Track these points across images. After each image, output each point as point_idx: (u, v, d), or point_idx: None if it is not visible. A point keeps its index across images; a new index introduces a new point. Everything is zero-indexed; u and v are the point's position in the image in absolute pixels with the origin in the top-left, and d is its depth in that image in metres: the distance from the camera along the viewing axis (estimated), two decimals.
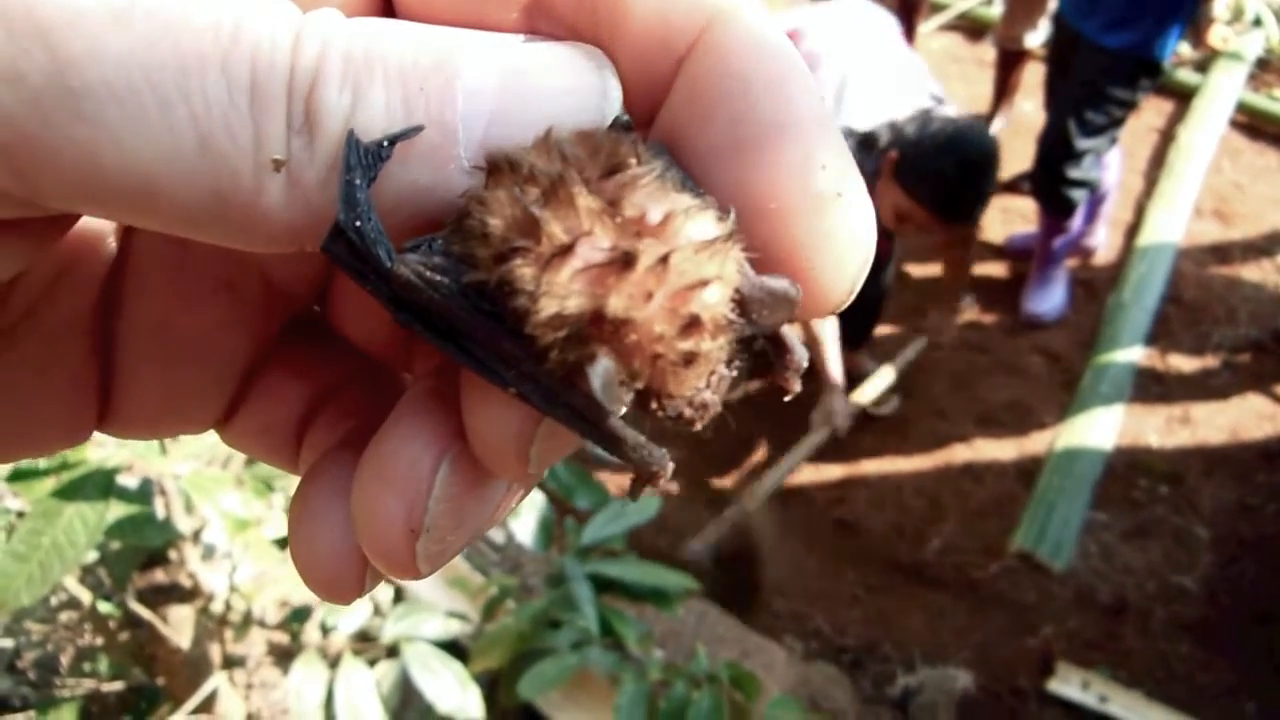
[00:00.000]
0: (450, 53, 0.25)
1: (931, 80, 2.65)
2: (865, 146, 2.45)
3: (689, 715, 1.38)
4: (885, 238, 2.62)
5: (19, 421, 0.31)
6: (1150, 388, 3.13)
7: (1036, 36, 3.64)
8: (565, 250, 0.24)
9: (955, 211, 2.45)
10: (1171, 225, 3.52)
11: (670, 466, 0.27)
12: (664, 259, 0.23)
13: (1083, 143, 2.93)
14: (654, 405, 0.25)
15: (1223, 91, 3.99)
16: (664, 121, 0.28)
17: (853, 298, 0.27)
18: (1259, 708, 2.39)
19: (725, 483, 2.96)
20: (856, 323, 3.04)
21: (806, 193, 0.26)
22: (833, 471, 2.98)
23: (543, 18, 0.28)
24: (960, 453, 2.99)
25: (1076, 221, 3.25)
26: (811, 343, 2.80)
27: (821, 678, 2.38)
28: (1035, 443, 3.00)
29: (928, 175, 2.38)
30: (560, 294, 0.24)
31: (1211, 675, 2.47)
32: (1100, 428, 2.98)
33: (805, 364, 0.28)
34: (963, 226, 2.55)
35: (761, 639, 2.34)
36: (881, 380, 2.96)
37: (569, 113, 0.26)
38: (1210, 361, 3.20)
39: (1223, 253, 3.52)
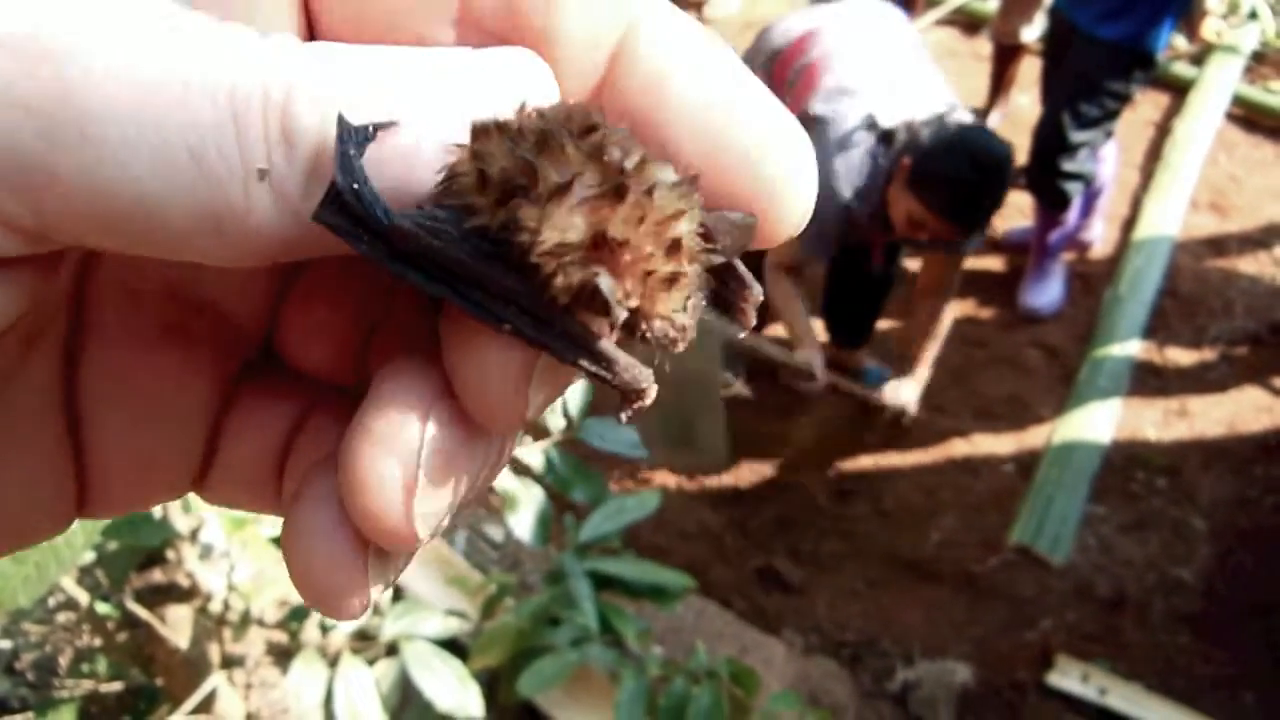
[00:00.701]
0: (403, 63, 0.28)
1: (943, 83, 2.63)
2: (882, 143, 2.45)
3: (689, 711, 1.39)
4: (885, 231, 2.61)
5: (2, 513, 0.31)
6: (1148, 381, 3.13)
7: (1032, 31, 3.64)
8: (564, 188, 0.27)
9: (968, 219, 2.43)
10: (1168, 219, 3.52)
11: (655, 387, 0.29)
12: (648, 191, 0.27)
13: (1077, 135, 2.93)
14: (642, 328, 0.28)
15: (1218, 85, 3.99)
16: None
17: (805, 220, 0.31)
18: (1258, 699, 2.40)
19: (726, 481, 2.96)
20: (860, 320, 3.04)
21: (748, 143, 0.30)
22: (831, 466, 2.98)
23: (472, 32, 0.30)
24: (958, 447, 2.99)
25: (1073, 215, 3.25)
26: (775, 312, 2.85)
27: (820, 673, 2.38)
28: (1033, 436, 3.01)
29: (941, 183, 2.36)
30: (561, 225, 0.27)
31: (1210, 667, 2.48)
32: (1098, 421, 2.98)
33: (760, 297, 0.31)
34: (974, 234, 2.54)
35: (760, 634, 2.34)
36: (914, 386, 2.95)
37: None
38: (1207, 354, 3.20)
39: (1219, 246, 3.52)
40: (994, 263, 3.50)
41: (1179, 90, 4.02)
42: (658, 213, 0.27)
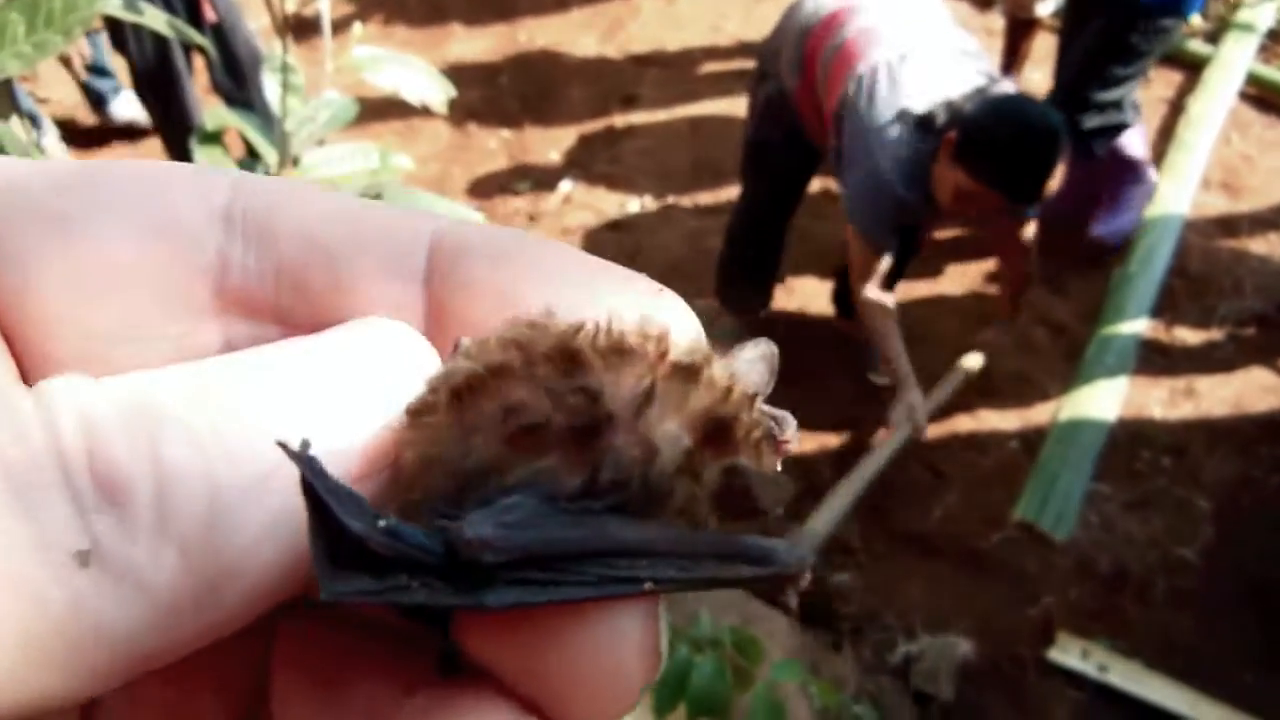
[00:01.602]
0: (233, 378, 0.23)
1: (984, 56, 2.58)
2: (923, 128, 2.38)
3: (692, 678, 1.39)
4: (936, 212, 2.56)
5: None
6: (1155, 360, 3.12)
7: (1046, 5, 3.60)
8: (648, 394, 0.23)
9: (1020, 188, 2.37)
10: (1179, 197, 3.50)
11: (810, 559, 0.26)
12: (699, 361, 0.24)
13: (1103, 94, 2.92)
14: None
15: (1233, 63, 3.95)
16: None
17: None
18: (1258, 678, 2.40)
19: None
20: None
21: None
22: (835, 441, 2.98)
23: (238, 323, 0.25)
24: (963, 423, 2.98)
25: (1140, 151, 3.27)
26: (873, 336, 2.73)
27: (822, 645, 2.39)
28: (1038, 414, 3.00)
29: (990, 153, 2.31)
30: (671, 434, 0.23)
31: (1211, 646, 2.48)
32: (1104, 399, 2.97)
33: (794, 425, 0.28)
34: (1024, 205, 2.50)
35: (762, 606, 2.34)
36: (948, 388, 2.93)
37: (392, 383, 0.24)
38: (1215, 334, 3.19)
39: (1230, 225, 3.50)
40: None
41: (1193, 68, 3.99)
42: (722, 376, 0.24)
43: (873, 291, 2.62)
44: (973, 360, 2.98)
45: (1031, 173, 2.36)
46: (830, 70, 2.49)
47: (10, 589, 0.19)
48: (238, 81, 3.08)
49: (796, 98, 2.65)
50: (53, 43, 0.72)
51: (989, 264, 3.36)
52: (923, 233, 2.75)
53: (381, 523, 0.21)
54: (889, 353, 2.69)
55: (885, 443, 2.75)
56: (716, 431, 0.24)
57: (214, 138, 1.43)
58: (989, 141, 2.30)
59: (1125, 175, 3.31)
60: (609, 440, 0.22)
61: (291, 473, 0.20)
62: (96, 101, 3.67)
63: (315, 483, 0.20)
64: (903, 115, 2.39)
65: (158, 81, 3.08)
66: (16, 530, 0.19)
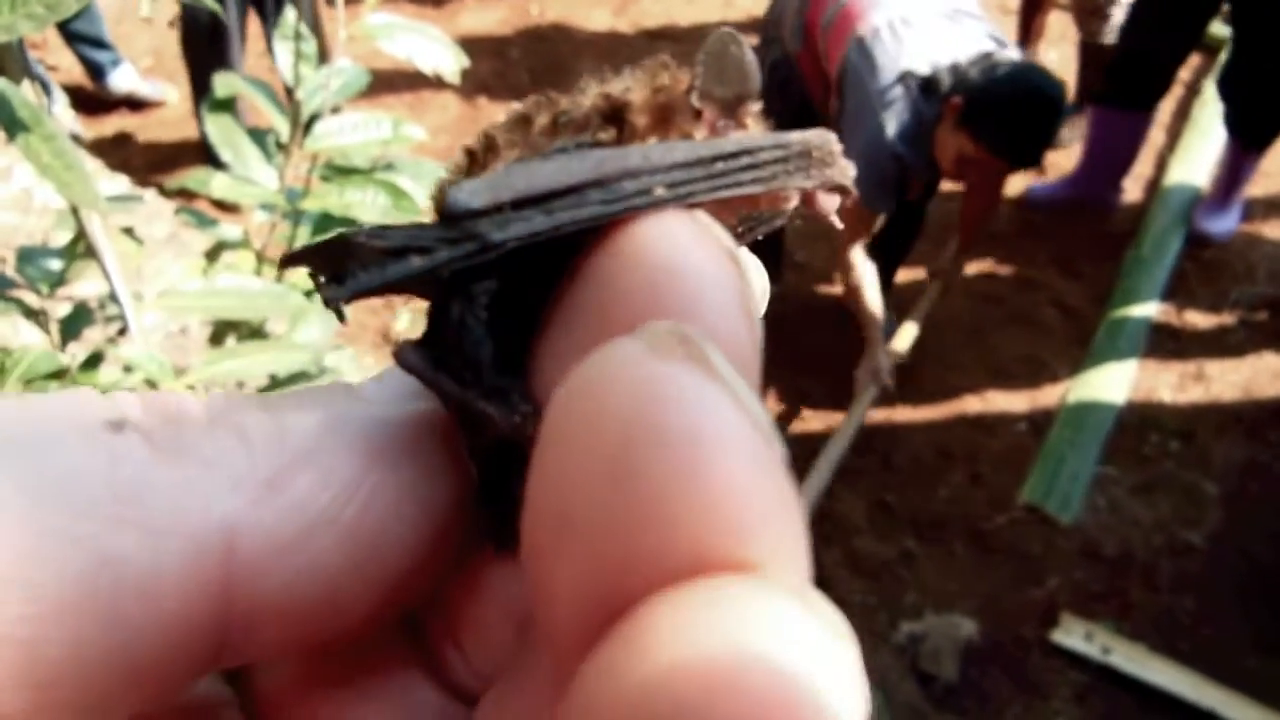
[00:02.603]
0: None
1: (986, 19, 2.58)
2: (926, 91, 2.38)
3: None
4: (934, 176, 2.59)
5: None
6: (1165, 343, 3.10)
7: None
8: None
9: (1023, 154, 2.39)
10: (1193, 180, 3.47)
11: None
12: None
13: None
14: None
15: None
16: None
17: None
18: (1261, 663, 2.40)
19: None
20: (886, 267, 2.97)
21: None
22: (840, 420, 2.97)
23: None
24: (971, 404, 2.98)
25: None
26: (850, 294, 2.75)
27: None
28: (1047, 396, 2.99)
29: (995, 119, 2.31)
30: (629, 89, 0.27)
31: (1216, 630, 2.48)
32: (1113, 382, 2.96)
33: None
34: (1025, 171, 2.55)
35: None
36: (909, 332, 2.89)
37: None
38: (1227, 319, 3.17)
39: (1244, 209, 3.47)
40: (1013, 221, 3.46)
41: (1211, 50, 3.94)
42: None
43: (858, 254, 2.65)
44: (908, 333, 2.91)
45: (1036, 139, 2.37)
46: (831, 34, 2.48)
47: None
48: None
49: (800, 63, 2.64)
50: (65, 4, 0.71)
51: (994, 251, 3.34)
52: (918, 194, 2.74)
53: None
54: (864, 315, 2.72)
55: (856, 402, 2.77)
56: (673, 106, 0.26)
57: (225, 105, 1.42)
58: (995, 108, 2.30)
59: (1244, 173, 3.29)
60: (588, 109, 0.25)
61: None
62: (95, 73, 3.64)
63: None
64: (905, 77, 2.38)
65: (202, 40, 3.03)
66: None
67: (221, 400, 0.22)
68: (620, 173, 0.22)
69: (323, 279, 0.22)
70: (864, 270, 2.68)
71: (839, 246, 2.69)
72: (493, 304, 0.22)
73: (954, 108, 2.34)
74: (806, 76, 2.66)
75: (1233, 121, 3.15)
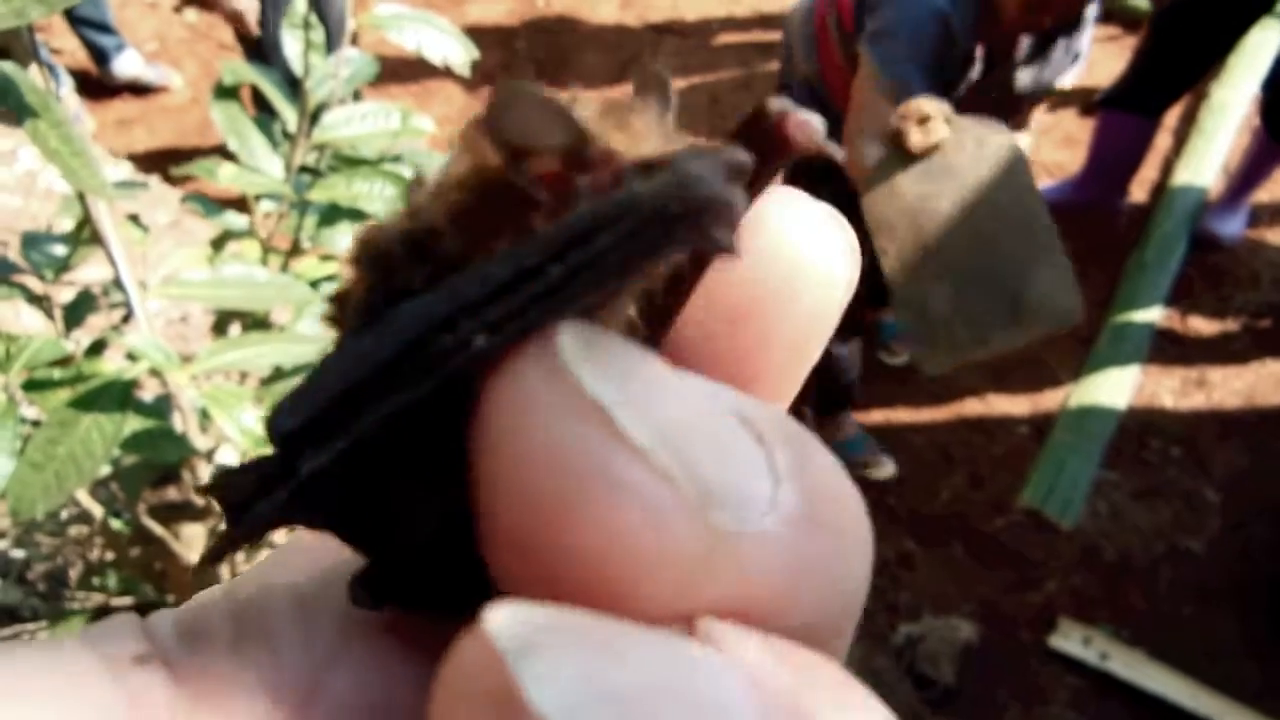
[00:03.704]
0: None
1: None
2: None
3: None
4: (992, 35, 2.02)
5: None
6: (1168, 349, 3.10)
7: None
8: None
9: None
10: (1199, 184, 3.46)
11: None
12: None
13: None
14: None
15: (1258, 51, 3.89)
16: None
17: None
18: (1260, 670, 2.40)
19: None
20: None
21: None
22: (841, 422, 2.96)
23: None
24: (972, 406, 2.97)
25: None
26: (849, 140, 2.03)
27: None
28: (1049, 399, 2.98)
29: None
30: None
31: (1214, 637, 2.48)
32: (1115, 387, 2.96)
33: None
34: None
35: None
36: None
37: None
38: (1230, 325, 3.16)
39: (1249, 215, 3.46)
40: None
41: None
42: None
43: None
44: None
45: None
46: None
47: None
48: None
49: (824, 78, 2.26)
50: None
51: None
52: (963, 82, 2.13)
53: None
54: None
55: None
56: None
57: (231, 93, 1.41)
58: None
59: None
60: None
61: None
62: (99, 58, 3.62)
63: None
64: None
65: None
66: None
67: (249, 606, 0.21)
68: (426, 331, 0.18)
69: (226, 518, 0.20)
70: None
71: (845, 136, 2.02)
72: (391, 506, 0.19)
73: None
74: (834, 92, 2.24)
75: (1270, 108, 3.10)
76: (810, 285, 0.23)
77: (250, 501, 0.19)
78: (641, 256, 0.17)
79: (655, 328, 0.22)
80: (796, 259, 0.23)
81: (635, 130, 0.21)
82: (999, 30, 1.99)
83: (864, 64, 1.97)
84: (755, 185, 0.21)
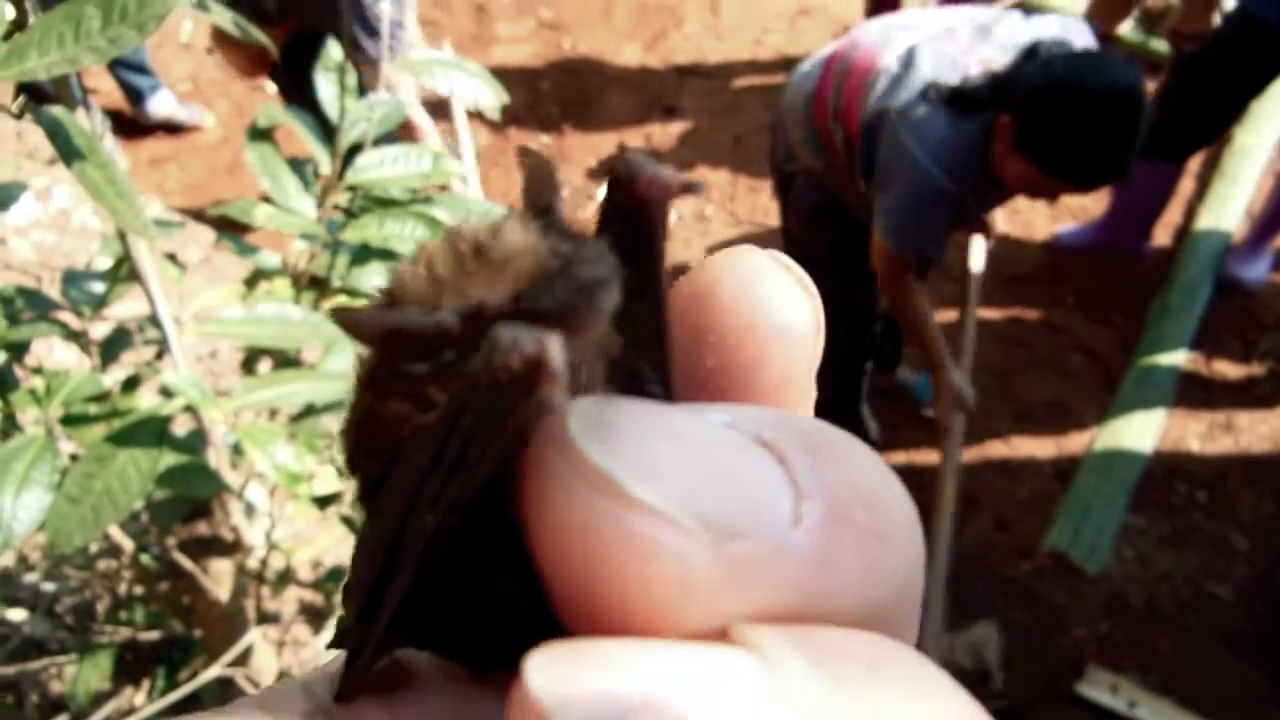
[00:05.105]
0: None
1: (1009, 17, 2.09)
2: (958, 104, 1.96)
3: None
4: (979, 204, 2.15)
5: None
6: (1194, 393, 3.07)
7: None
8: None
9: (1100, 177, 1.96)
10: (1222, 228, 3.45)
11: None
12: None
13: None
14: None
15: None
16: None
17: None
18: None
19: None
20: (894, 343, 2.76)
21: None
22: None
23: None
24: (997, 449, 2.95)
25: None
26: (912, 324, 2.30)
27: None
28: (1074, 442, 2.96)
29: (1055, 143, 1.88)
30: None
31: (1243, 685, 2.44)
32: (1140, 430, 2.93)
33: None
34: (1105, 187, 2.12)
35: None
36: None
37: None
38: (1256, 369, 3.14)
39: (1273, 259, 3.45)
40: (1039, 265, 3.44)
41: None
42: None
43: (909, 287, 2.20)
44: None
45: (1111, 156, 1.89)
46: (843, 102, 2.12)
47: None
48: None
49: (834, 176, 2.24)
50: (127, 37, 0.72)
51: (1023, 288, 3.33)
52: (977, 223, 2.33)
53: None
54: (928, 341, 2.29)
55: (948, 438, 2.42)
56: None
57: (265, 134, 1.43)
58: (1050, 128, 1.86)
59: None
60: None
61: None
62: (134, 98, 3.69)
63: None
64: (929, 90, 1.97)
65: (299, 58, 3.06)
66: None
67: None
68: (395, 522, 0.21)
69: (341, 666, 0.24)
70: (920, 300, 2.23)
71: (892, 299, 2.26)
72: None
73: (1004, 127, 1.92)
74: (841, 188, 2.25)
75: None
76: (771, 339, 0.25)
77: (357, 652, 0.23)
78: (498, 425, 0.19)
79: (660, 369, 0.24)
80: (754, 315, 0.24)
81: (496, 258, 0.21)
82: (1002, 197, 2.16)
83: (880, 242, 2.13)
84: (642, 244, 0.24)
